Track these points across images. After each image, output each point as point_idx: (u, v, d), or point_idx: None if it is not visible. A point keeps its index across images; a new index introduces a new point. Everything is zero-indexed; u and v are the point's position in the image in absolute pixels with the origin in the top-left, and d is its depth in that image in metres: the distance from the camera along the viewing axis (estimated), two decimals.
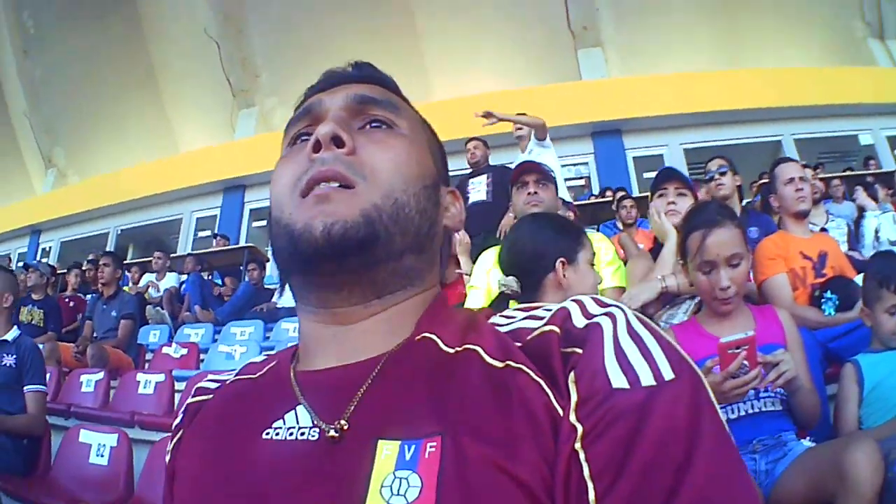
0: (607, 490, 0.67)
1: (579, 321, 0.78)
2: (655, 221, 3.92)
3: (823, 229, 5.89)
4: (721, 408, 0.75)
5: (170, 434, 1.08)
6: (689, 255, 2.96)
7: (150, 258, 12.80)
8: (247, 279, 11.19)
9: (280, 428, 0.87)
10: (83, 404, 5.55)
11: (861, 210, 8.85)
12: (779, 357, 2.50)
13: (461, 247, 5.19)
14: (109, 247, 19.48)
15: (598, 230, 9.77)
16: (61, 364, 6.89)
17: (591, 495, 0.68)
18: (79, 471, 3.94)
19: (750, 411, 2.75)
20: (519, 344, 0.81)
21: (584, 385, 0.72)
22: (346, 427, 0.81)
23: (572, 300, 0.83)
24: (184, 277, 11.71)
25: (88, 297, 10.30)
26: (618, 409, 0.70)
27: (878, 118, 15.35)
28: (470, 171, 7.84)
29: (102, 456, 3.90)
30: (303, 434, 0.84)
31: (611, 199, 10.93)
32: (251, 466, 0.85)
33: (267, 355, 1.10)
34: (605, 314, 0.79)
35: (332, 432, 0.81)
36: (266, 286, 10.93)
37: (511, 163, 7.78)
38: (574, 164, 15.42)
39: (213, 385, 1.09)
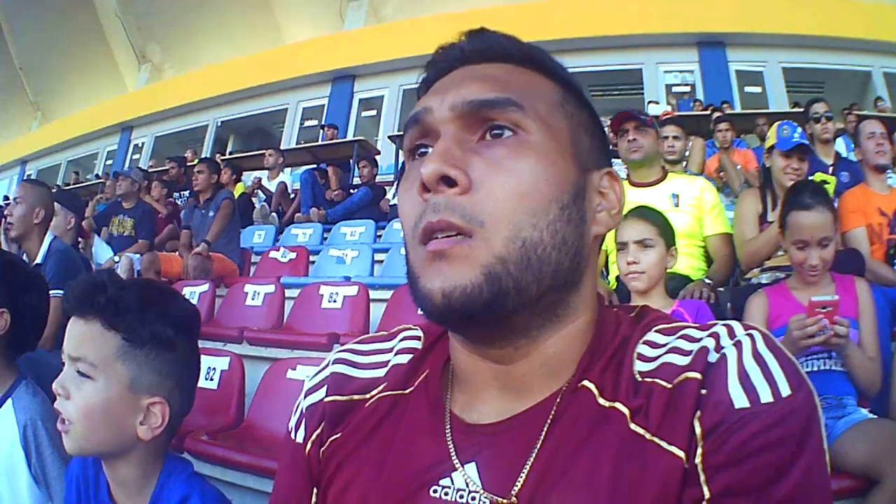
0: (712, 477, 0.78)
1: (713, 356, 0.84)
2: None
3: None
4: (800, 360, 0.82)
5: (297, 415, 1.13)
6: (786, 230, 3.43)
7: (252, 151, 13.26)
8: (358, 179, 11.34)
9: (448, 488, 0.91)
10: None
11: None
12: (843, 323, 2.91)
13: None
14: (208, 138, 20.34)
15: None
16: (160, 275, 6.91)
17: (702, 478, 0.78)
18: None
19: (822, 368, 3.16)
20: (668, 385, 0.85)
21: (707, 417, 0.80)
22: (516, 502, 0.86)
23: (710, 334, 0.88)
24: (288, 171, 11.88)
25: (176, 196, 10.49)
26: (736, 426, 0.78)
27: None
28: None
29: (212, 380, 3.94)
30: (473, 499, 0.89)
31: (710, 113, 11.21)
32: None
33: (411, 351, 1.10)
34: (734, 343, 0.84)
35: None
36: (378, 182, 11.01)
37: None
38: (680, 71, 16.44)
39: (355, 374, 1.10)
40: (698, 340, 0.87)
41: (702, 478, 0.78)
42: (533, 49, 1.01)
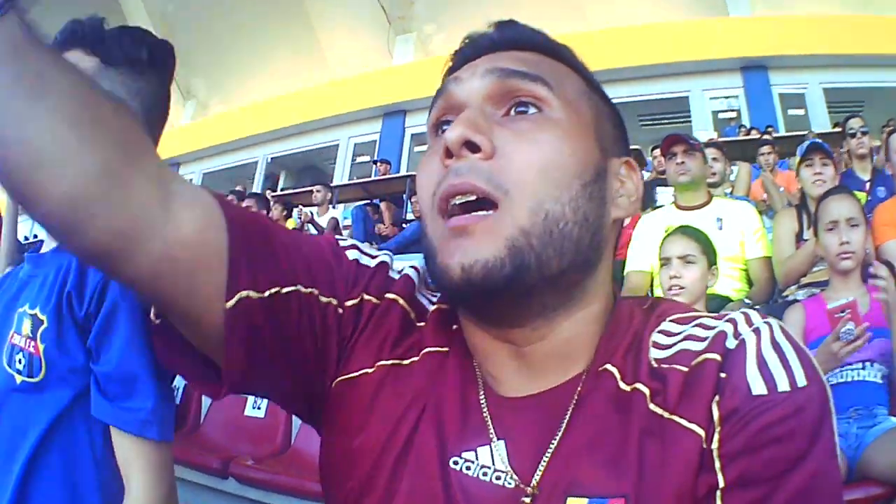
0: (727, 465, 0.79)
1: (731, 342, 0.85)
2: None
3: None
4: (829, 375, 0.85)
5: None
6: (819, 223, 3.62)
7: (304, 187, 13.10)
8: (412, 214, 11.31)
9: (472, 462, 0.91)
10: None
11: None
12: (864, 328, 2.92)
13: None
14: (259, 174, 20.06)
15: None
16: None
17: (718, 464, 0.79)
18: (232, 425, 4.05)
19: (856, 378, 3.21)
20: (684, 369, 0.86)
21: (725, 402, 0.81)
22: (541, 483, 0.87)
23: (727, 320, 0.89)
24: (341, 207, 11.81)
25: None
26: (752, 414, 0.79)
27: None
28: None
29: (259, 408, 4.00)
30: (498, 479, 0.89)
31: (757, 137, 11.30)
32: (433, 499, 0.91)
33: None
34: (753, 330, 0.86)
35: (529, 490, 0.87)
36: None
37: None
38: (725, 97, 16.36)
39: (426, 302, 1.08)
40: (714, 328, 0.88)
41: (717, 464, 0.79)
42: (559, 43, 1.04)
